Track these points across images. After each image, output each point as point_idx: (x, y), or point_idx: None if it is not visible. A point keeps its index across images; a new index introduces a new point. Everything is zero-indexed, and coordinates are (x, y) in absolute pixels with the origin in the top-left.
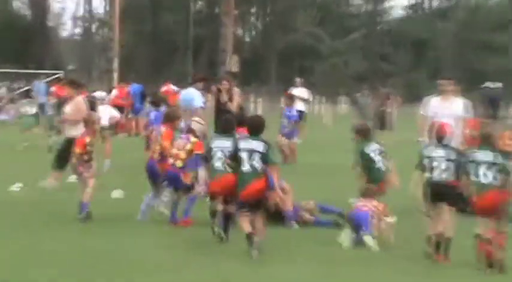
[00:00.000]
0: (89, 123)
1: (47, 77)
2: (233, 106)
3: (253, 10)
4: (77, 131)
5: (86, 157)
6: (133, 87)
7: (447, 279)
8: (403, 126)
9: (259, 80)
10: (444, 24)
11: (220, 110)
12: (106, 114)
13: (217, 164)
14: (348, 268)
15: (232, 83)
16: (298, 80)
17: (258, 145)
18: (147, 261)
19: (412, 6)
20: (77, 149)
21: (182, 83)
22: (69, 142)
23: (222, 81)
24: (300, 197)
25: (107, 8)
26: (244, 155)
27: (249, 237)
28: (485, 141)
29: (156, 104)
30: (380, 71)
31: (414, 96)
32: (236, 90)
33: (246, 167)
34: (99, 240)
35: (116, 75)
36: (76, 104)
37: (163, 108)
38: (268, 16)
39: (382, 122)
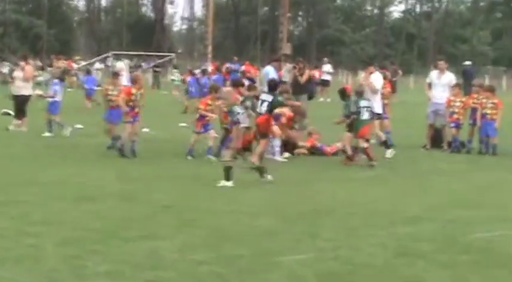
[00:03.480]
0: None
1: (162, 58)
2: (302, 79)
3: (300, 13)
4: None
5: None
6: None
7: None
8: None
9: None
10: (427, 23)
11: (295, 81)
12: None
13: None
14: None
15: (305, 63)
16: (325, 59)
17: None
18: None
19: (406, 11)
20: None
21: (254, 63)
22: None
23: (298, 62)
24: None
25: (204, 12)
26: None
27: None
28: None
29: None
30: (384, 54)
31: (406, 71)
32: (307, 70)
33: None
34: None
35: (209, 57)
36: None
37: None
38: (310, 17)
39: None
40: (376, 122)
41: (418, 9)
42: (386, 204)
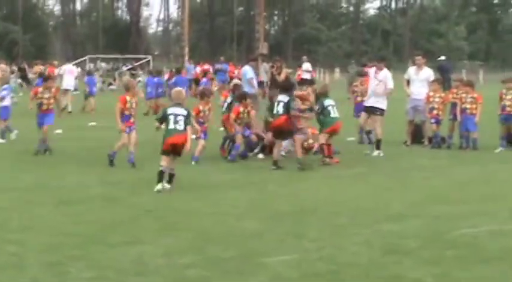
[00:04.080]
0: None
1: (139, 60)
2: (280, 77)
3: (276, 12)
4: None
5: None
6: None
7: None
8: None
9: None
10: (403, 19)
11: (274, 80)
12: None
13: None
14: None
15: (282, 62)
16: (304, 57)
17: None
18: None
19: (381, 7)
20: None
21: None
22: None
23: (276, 61)
24: None
25: (179, 13)
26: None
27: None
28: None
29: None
30: (360, 51)
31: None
32: (284, 69)
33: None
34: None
35: (186, 58)
36: None
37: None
38: (285, 16)
39: None
40: (379, 118)
41: (393, 5)
42: (368, 202)
